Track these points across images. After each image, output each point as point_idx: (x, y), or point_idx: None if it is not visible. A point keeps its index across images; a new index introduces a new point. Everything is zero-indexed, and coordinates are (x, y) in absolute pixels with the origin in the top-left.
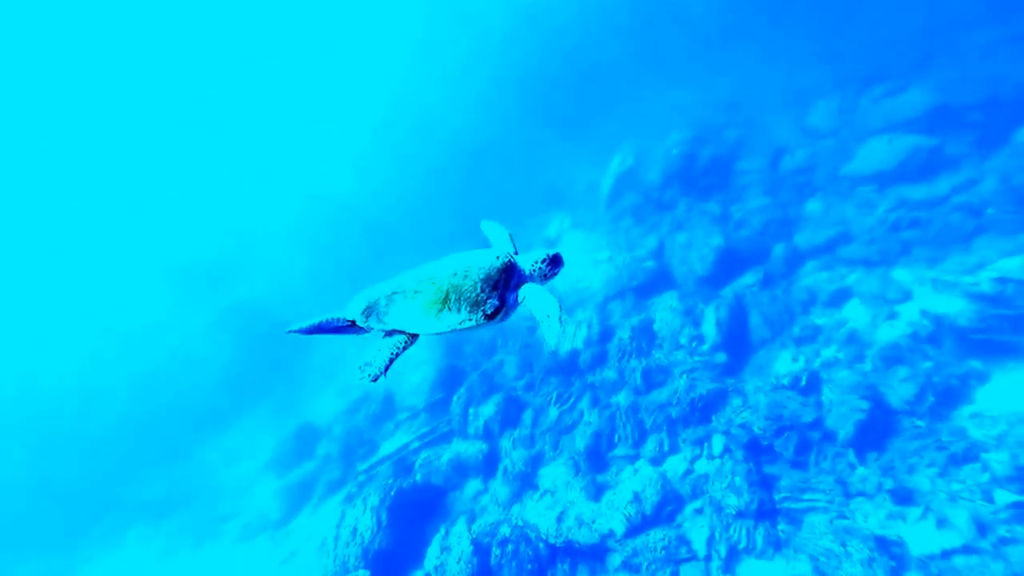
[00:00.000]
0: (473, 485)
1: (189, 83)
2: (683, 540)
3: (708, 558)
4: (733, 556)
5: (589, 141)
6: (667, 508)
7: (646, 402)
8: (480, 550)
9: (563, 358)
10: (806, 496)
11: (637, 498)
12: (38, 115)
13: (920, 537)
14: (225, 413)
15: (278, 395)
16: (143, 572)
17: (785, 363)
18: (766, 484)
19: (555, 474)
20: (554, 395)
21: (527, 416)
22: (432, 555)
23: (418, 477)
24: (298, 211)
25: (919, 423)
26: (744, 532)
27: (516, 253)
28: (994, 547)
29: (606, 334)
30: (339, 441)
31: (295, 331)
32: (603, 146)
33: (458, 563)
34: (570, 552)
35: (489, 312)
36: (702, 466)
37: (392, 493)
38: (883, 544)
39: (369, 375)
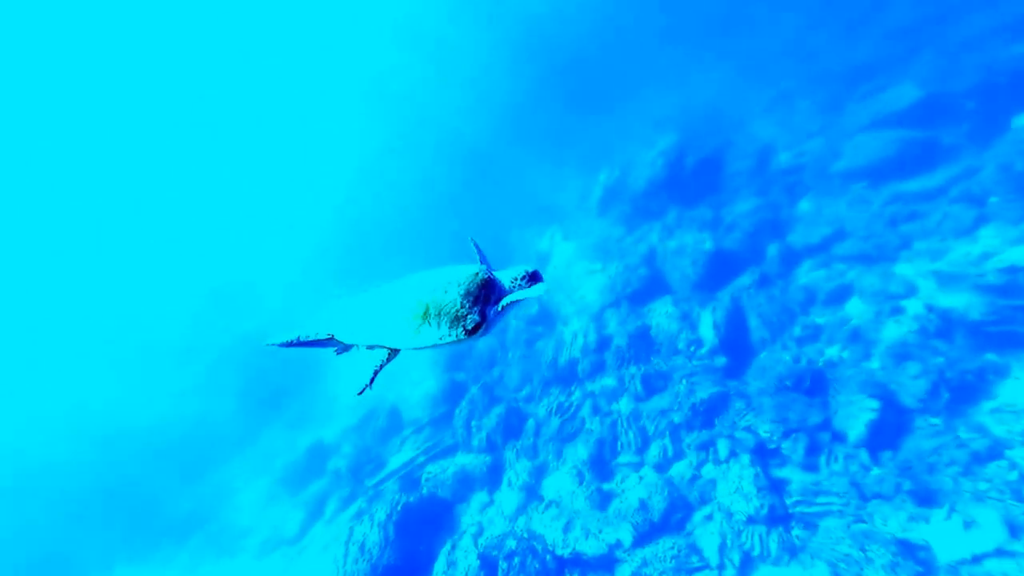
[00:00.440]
0: (479, 498)
1: (188, 96)
2: (694, 548)
3: (721, 566)
4: (747, 564)
5: (578, 153)
6: (675, 515)
7: (647, 408)
8: (487, 563)
9: (562, 367)
10: (820, 500)
11: (644, 506)
12: (45, 136)
13: (947, 540)
14: (243, 433)
15: (292, 414)
16: None
17: (787, 364)
18: (776, 488)
19: (560, 484)
20: (555, 405)
21: (529, 426)
22: (439, 570)
23: (424, 491)
24: (304, 235)
25: (935, 421)
26: (757, 538)
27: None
28: None
29: (603, 342)
30: (348, 457)
31: (274, 344)
32: (592, 158)
33: None
34: (578, 563)
35: (470, 327)
36: (709, 471)
37: (399, 508)
38: (907, 548)
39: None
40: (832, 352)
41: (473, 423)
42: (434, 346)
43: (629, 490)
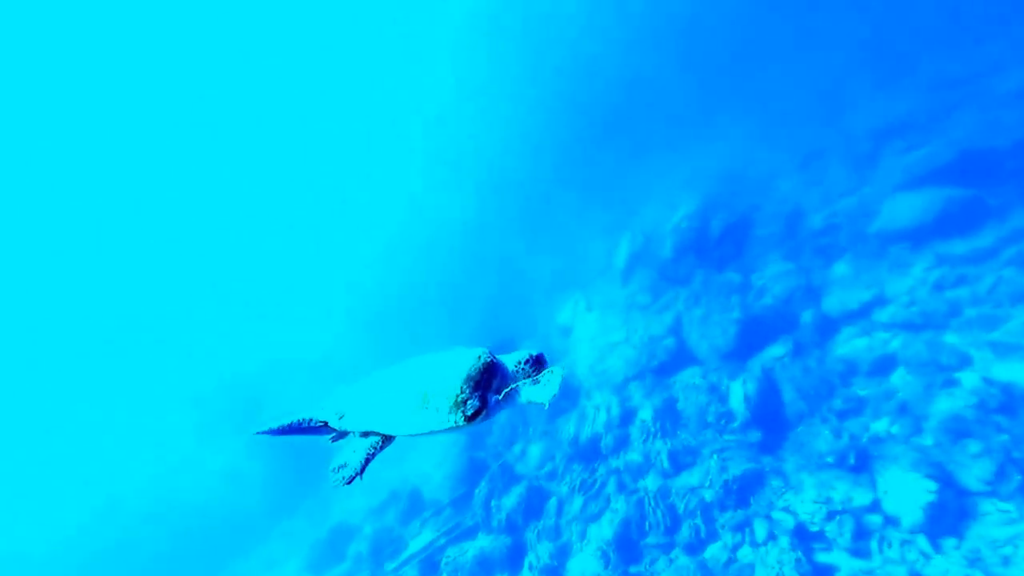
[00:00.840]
0: None
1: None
2: None
3: None
4: None
5: (600, 220)
6: None
7: (676, 485)
8: None
9: (584, 443)
10: None
11: None
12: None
13: None
14: (265, 521)
15: (315, 498)
16: None
17: (828, 440)
18: (821, 575)
19: (584, 566)
20: (578, 482)
21: (551, 505)
22: None
23: None
24: (333, 307)
25: (1006, 507)
26: None
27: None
28: None
29: (627, 416)
30: (369, 540)
31: (264, 432)
32: (615, 224)
33: None
34: None
35: (469, 413)
36: (746, 554)
37: None
38: None
39: (343, 477)
40: (879, 427)
41: (493, 503)
42: (431, 432)
43: (659, 574)
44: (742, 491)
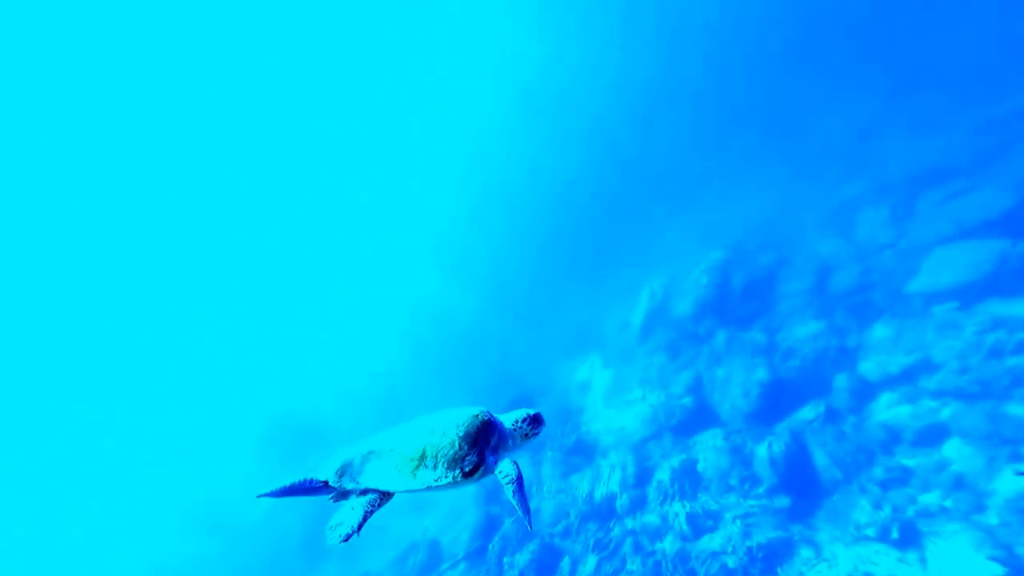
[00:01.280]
0: None
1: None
2: None
3: None
4: None
5: (618, 277)
6: None
7: (696, 549)
8: None
9: (599, 502)
10: None
11: None
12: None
13: None
14: (304, 564)
15: (347, 545)
16: None
17: (867, 510)
18: None
19: None
20: (592, 541)
21: (565, 565)
22: None
23: None
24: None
25: None
26: None
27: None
28: None
29: (643, 476)
30: None
31: (264, 495)
32: (633, 281)
33: None
34: None
35: (467, 470)
36: None
37: None
38: None
39: (341, 535)
40: (929, 499)
41: (505, 559)
42: (428, 488)
43: None
44: (768, 559)
